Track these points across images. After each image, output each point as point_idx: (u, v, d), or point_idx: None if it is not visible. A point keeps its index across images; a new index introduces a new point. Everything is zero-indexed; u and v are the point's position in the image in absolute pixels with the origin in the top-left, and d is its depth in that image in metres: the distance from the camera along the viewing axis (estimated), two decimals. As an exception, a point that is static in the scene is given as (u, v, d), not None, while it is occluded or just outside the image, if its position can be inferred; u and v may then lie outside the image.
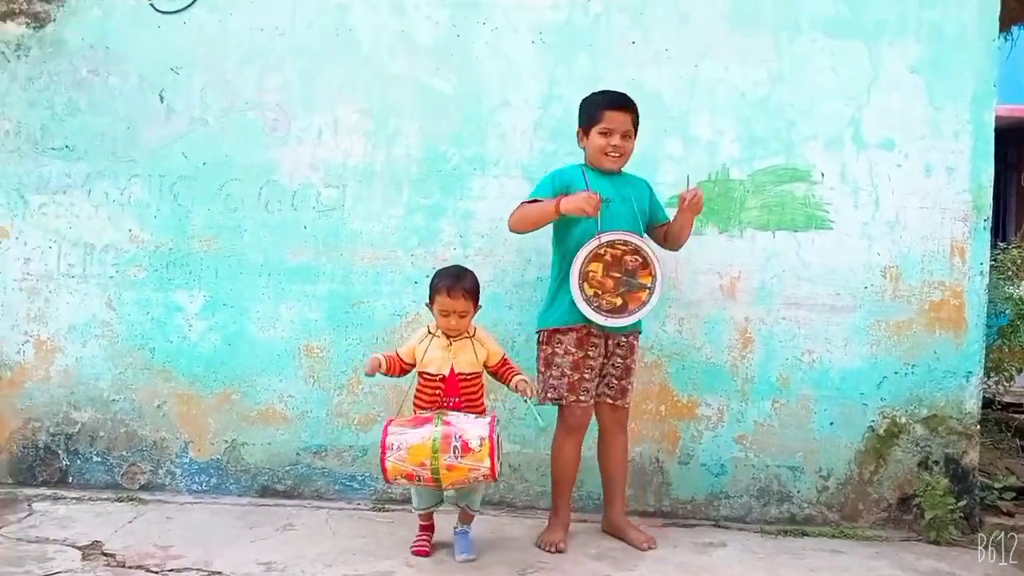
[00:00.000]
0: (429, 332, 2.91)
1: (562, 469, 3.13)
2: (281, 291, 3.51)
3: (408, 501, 3.43)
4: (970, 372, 3.46)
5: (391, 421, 2.79)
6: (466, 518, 2.96)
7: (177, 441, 3.52)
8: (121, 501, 3.37)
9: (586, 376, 3.04)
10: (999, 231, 8.43)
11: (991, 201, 3.50)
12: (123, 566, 2.73)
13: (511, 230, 3.16)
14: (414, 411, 2.88)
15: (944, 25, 3.45)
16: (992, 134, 3.48)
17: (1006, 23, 4.82)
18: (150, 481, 3.52)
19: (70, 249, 3.53)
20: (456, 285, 2.85)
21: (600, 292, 2.99)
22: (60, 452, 3.53)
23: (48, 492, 3.43)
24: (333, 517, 3.29)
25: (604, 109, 3.06)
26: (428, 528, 2.98)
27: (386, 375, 2.88)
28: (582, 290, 2.97)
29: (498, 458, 2.71)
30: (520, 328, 3.41)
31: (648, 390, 3.44)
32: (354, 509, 3.40)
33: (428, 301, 2.94)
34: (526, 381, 2.89)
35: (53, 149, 3.53)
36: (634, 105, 3.11)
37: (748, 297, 3.47)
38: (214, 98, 3.51)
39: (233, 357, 3.51)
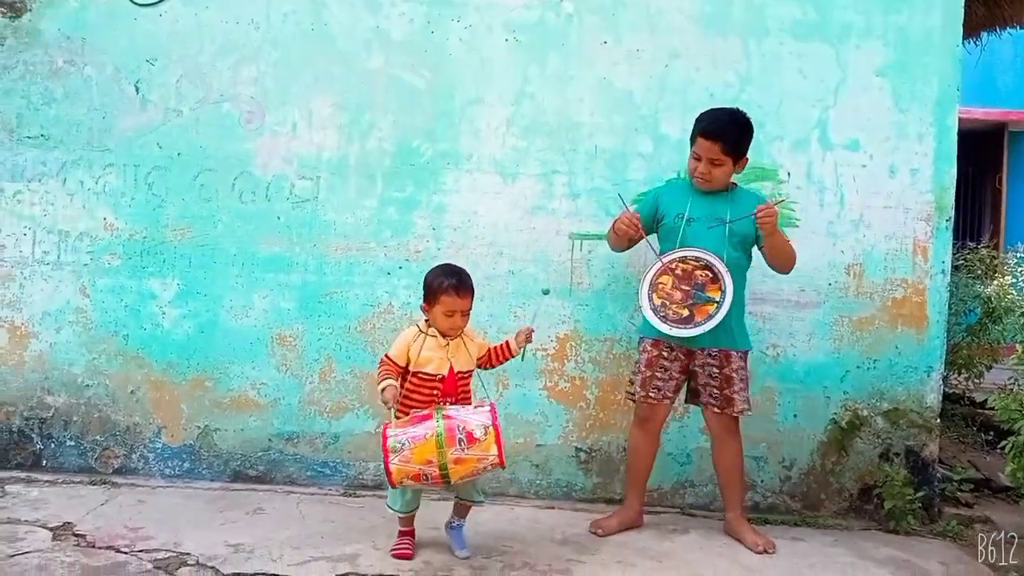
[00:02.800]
0: (420, 331, 2.82)
1: (632, 457, 3.29)
2: (254, 280, 3.55)
3: (379, 487, 3.50)
4: (931, 367, 3.54)
5: (387, 425, 2.69)
6: (463, 511, 2.92)
7: (150, 426, 3.56)
8: (94, 484, 3.41)
9: (658, 375, 3.15)
10: (973, 231, 8.56)
11: (953, 202, 3.59)
12: (93, 546, 2.77)
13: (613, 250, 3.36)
14: (398, 413, 2.77)
15: (909, 29, 3.53)
16: (955, 136, 3.56)
17: (975, 28, 4.91)
18: (123, 465, 3.56)
19: (45, 236, 3.56)
20: (463, 284, 2.78)
21: (668, 303, 3.09)
22: (34, 436, 3.56)
23: (22, 475, 3.47)
24: (304, 502, 3.34)
25: (697, 135, 3.11)
26: (409, 533, 2.89)
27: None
28: (650, 299, 3.09)
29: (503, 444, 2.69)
30: (492, 319, 3.47)
31: (617, 381, 3.51)
32: (325, 495, 3.45)
33: (425, 303, 2.83)
34: (519, 332, 2.91)
35: (29, 138, 3.56)
36: (731, 133, 3.08)
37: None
38: (189, 89, 3.55)
39: (206, 344, 3.55)
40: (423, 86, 3.56)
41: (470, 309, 2.84)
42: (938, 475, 3.61)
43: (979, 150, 8.54)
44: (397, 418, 2.76)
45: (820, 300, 3.55)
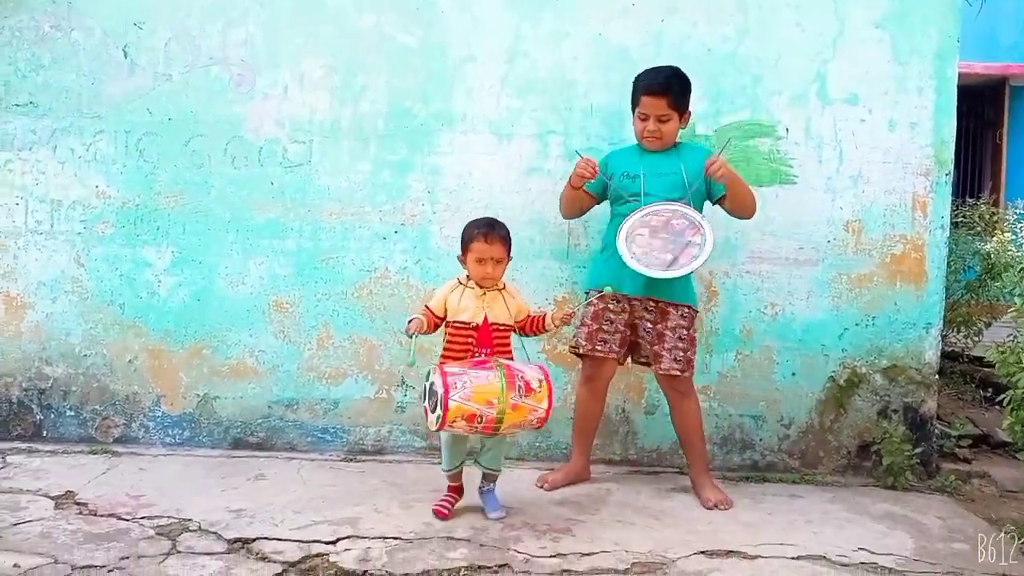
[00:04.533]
0: (460, 283, 2.88)
1: (577, 415, 3.31)
2: (249, 247, 3.53)
3: (380, 452, 3.54)
4: (929, 323, 3.54)
5: (442, 363, 2.74)
6: (490, 478, 2.95)
7: (149, 395, 3.56)
8: (95, 453, 3.42)
9: (604, 328, 3.14)
10: (973, 187, 8.51)
11: (953, 156, 3.56)
12: (95, 514, 2.78)
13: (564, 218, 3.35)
14: (441, 361, 2.81)
15: (909, -22, 3.47)
16: (955, 90, 3.51)
17: (977, -22, 4.82)
18: (124, 434, 3.56)
19: (37, 205, 3.53)
20: (492, 231, 2.84)
21: (649, 251, 3.05)
22: (33, 406, 3.57)
23: (23, 446, 3.48)
24: (304, 467, 3.35)
25: (641, 94, 3.10)
26: (456, 490, 2.93)
27: (424, 333, 2.81)
28: (630, 250, 3.04)
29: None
30: (488, 282, 3.45)
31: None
32: (325, 460, 3.46)
33: (460, 254, 2.91)
34: (559, 310, 2.93)
35: (17, 106, 3.51)
36: (674, 87, 3.07)
37: (714, 251, 3.48)
38: (178, 53, 3.49)
39: (203, 312, 3.54)
40: (415, 45, 3.50)
41: (503, 259, 2.87)
42: (936, 431, 3.62)
43: (979, 105, 8.45)
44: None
45: (818, 257, 3.53)
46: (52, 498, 2.91)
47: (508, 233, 2.91)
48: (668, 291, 3.11)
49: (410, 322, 2.77)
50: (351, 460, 3.48)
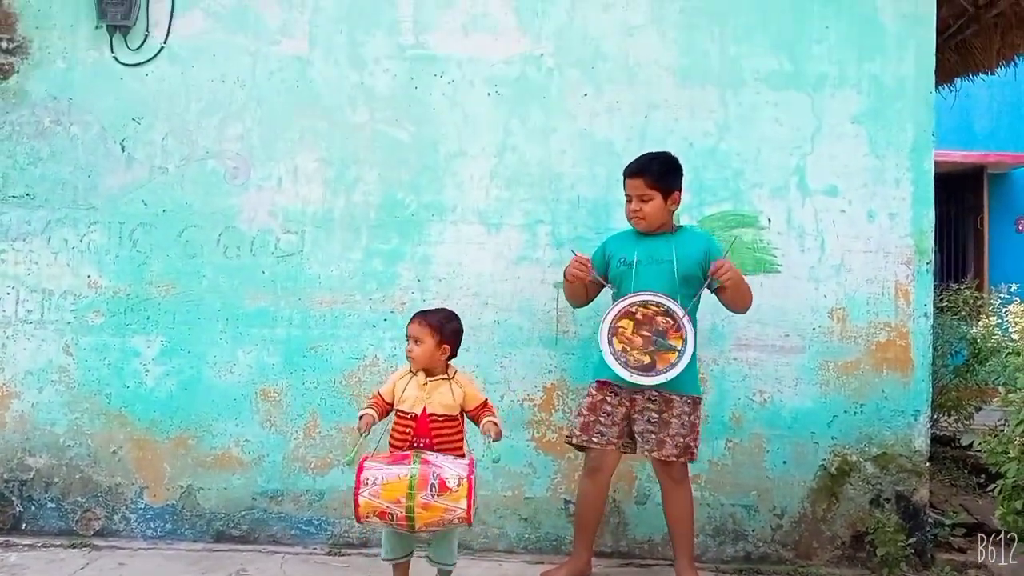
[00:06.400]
0: (409, 370, 2.89)
1: (579, 508, 3.24)
2: (239, 336, 3.54)
3: (365, 545, 3.46)
4: (918, 410, 3.54)
5: (367, 457, 2.72)
6: (443, 573, 2.90)
7: (132, 486, 3.51)
8: (74, 547, 3.35)
9: (601, 420, 3.11)
10: (957, 271, 8.63)
11: (932, 245, 3.62)
12: (70, 614, 2.71)
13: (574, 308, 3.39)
14: (389, 449, 2.82)
15: (883, 78, 3.61)
16: (932, 181, 3.61)
17: (949, 76, 5.03)
18: (105, 527, 3.49)
19: (28, 295, 3.55)
20: (418, 314, 2.89)
21: (628, 348, 3.05)
22: (14, 498, 3.50)
23: (0, 539, 3.40)
24: (288, 562, 3.28)
25: (624, 178, 3.22)
26: None
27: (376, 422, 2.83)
28: (611, 344, 3.05)
29: (474, 502, 2.66)
30: (477, 371, 3.45)
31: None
32: (310, 554, 3.39)
33: None
34: (494, 423, 2.84)
35: (14, 197, 3.57)
36: (652, 167, 3.16)
37: (700, 339, 3.48)
38: (175, 147, 3.58)
39: (190, 402, 3.52)
40: (407, 140, 3.60)
41: (421, 339, 2.82)
42: (930, 520, 3.58)
43: (959, 191, 8.66)
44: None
45: (805, 345, 3.55)
46: (28, 596, 2.85)
47: (443, 318, 2.88)
48: (674, 382, 3.07)
49: (361, 418, 2.79)
50: (335, 554, 3.41)
